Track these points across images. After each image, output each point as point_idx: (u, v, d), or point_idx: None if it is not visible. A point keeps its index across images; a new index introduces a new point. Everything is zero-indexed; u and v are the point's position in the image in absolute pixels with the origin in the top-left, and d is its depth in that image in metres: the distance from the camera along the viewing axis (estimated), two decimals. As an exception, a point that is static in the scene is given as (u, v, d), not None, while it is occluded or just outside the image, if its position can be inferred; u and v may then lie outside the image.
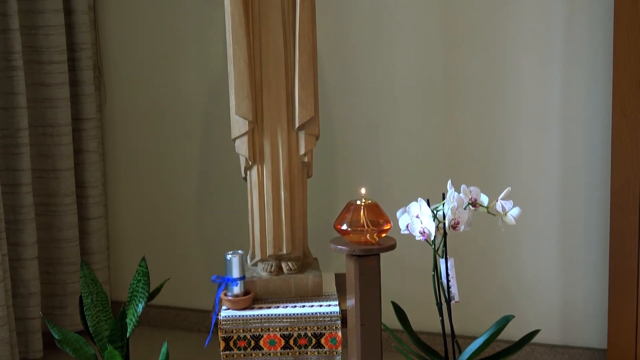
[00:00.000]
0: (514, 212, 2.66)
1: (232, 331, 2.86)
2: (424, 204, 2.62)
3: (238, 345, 2.86)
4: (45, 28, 3.40)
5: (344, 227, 2.61)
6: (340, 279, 3.05)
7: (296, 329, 2.86)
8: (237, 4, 2.86)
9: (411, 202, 2.64)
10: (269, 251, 2.98)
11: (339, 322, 2.86)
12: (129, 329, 2.82)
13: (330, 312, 2.86)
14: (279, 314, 2.87)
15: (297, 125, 2.93)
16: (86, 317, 2.84)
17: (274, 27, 2.90)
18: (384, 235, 2.63)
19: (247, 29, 2.88)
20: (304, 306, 2.90)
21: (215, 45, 3.53)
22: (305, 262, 3.03)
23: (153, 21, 3.68)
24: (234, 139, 2.95)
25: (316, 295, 2.97)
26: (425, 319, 3.29)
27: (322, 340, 2.87)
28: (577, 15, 3.27)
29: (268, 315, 2.86)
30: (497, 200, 2.67)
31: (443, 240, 2.65)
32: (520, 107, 3.37)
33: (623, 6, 3.10)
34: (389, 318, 2.87)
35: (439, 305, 2.71)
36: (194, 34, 3.64)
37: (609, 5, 3.20)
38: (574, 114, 3.32)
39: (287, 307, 2.90)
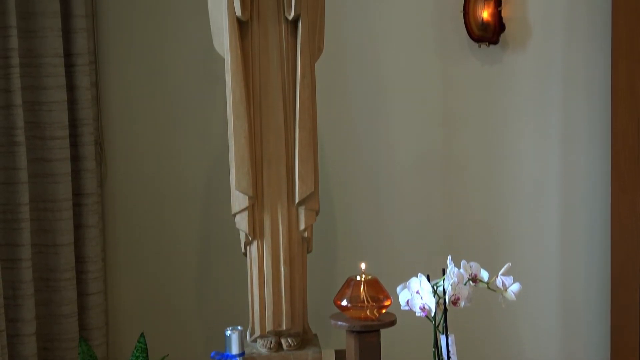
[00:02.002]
0: (514, 287, 2.66)
1: (231, 408, 2.83)
2: (424, 279, 2.62)
3: (237, 422, 2.83)
4: (48, 104, 3.42)
5: (344, 303, 2.61)
6: (340, 356, 3.03)
7: (296, 406, 2.84)
8: (238, 80, 2.89)
9: (411, 277, 2.64)
10: (269, 327, 2.96)
11: (339, 399, 2.84)
12: (127, 406, 2.79)
13: (330, 389, 2.84)
14: (279, 391, 2.84)
15: (297, 201, 2.94)
16: (84, 394, 2.81)
17: (275, 103, 2.93)
18: (384, 311, 2.63)
19: (248, 105, 2.91)
20: (303, 383, 2.88)
21: (216, 120, 3.56)
22: (305, 338, 3.01)
23: (154, 97, 3.71)
24: (234, 214, 2.95)
25: (316, 372, 2.95)
26: (426, 396, 3.26)
27: (322, 418, 2.84)
28: (575, 92, 3.31)
29: (267, 392, 2.84)
30: (497, 276, 2.67)
31: (443, 316, 2.64)
32: (519, 183, 3.39)
33: (620, 80, 3.14)
34: (390, 395, 2.84)
35: (440, 382, 2.69)
36: (194, 109, 3.67)
37: (605, 81, 3.23)
38: (573, 189, 3.33)
39: (286, 383, 2.88)
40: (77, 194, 3.58)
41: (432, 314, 2.61)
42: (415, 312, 2.62)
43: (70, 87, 3.52)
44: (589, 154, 3.31)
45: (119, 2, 3.70)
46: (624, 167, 3.16)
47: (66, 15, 3.50)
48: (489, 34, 3.32)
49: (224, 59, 2.94)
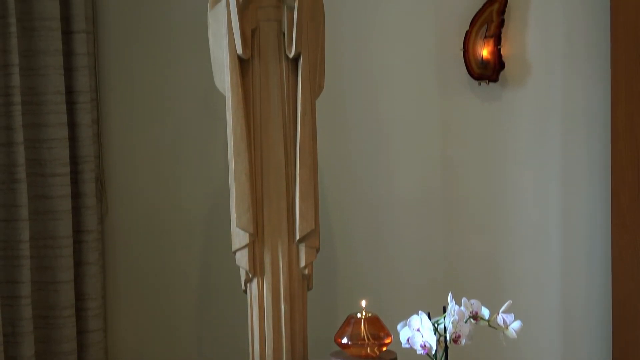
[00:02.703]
0: (516, 325, 2.65)
1: None
2: (425, 317, 2.61)
3: None
4: (49, 141, 3.43)
5: (345, 340, 2.60)
6: (340, 394, 3.01)
7: None
8: (239, 117, 2.90)
9: (412, 315, 2.63)
10: (269, 365, 2.95)
11: None
12: None
13: None
14: None
15: (297, 238, 2.94)
16: None
17: (275, 140, 2.94)
18: (385, 348, 2.62)
19: (249, 142, 2.92)
20: (304, 421, 2.86)
21: (217, 157, 3.56)
22: (305, 376, 3.00)
23: (155, 134, 3.72)
24: (235, 252, 2.95)
25: (316, 410, 2.93)
26: None
27: None
28: (575, 129, 3.31)
29: None
30: (498, 314, 2.66)
31: (444, 354, 2.63)
32: (519, 220, 3.39)
33: (619, 118, 3.15)
34: None
35: (441, 420, 2.67)
36: (195, 146, 3.67)
37: (605, 118, 3.24)
38: (574, 226, 3.33)
39: (287, 422, 2.86)
40: (78, 230, 3.57)
41: (433, 352, 2.60)
42: (416, 350, 2.61)
43: (72, 125, 3.53)
44: (589, 191, 3.31)
45: (120, 40, 3.72)
46: (624, 204, 3.16)
47: (68, 53, 3.52)
48: (488, 72, 3.34)
49: (224, 97, 2.95)
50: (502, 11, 3.32)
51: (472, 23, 3.34)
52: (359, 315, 2.63)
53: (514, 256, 3.39)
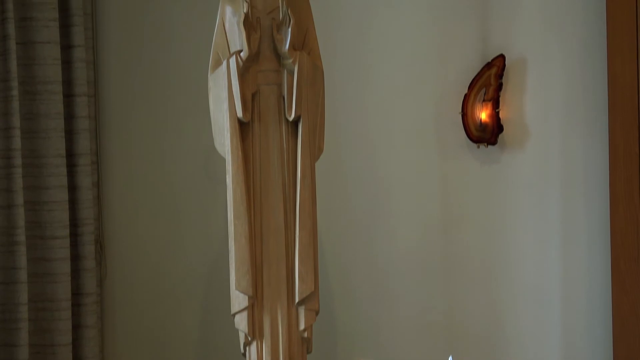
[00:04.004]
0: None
1: None
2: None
3: None
4: (50, 204, 3.44)
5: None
6: None
7: None
8: (239, 180, 2.91)
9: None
10: None
11: None
12: None
13: None
14: None
15: (297, 301, 2.93)
16: None
17: (275, 203, 2.94)
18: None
19: (249, 205, 2.92)
20: None
21: (216, 219, 3.57)
22: None
23: (155, 197, 3.72)
24: (234, 314, 2.94)
25: None
26: None
27: None
28: (574, 192, 3.32)
29: None
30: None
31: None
32: (519, 283, 3.38)
33: (618, 181, 3.16)
34: None
35: None
36: (195, 209, 3.68)
37: (604, 181, 3.25)
38: (574, 289, 3.32)
39: None
40: (76, 293, 3.57)
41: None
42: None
43: (72, 187, 3.54)
44: (588, 254, 3.30)
45: (121, 103, 3.74)
46: (624, 267, 3.15)
47: (69, 116, 3.54)
48: (487, 135, 3.35)
49: (224, 159, 2.96)
50: (500, 75, 3.34)
51: (471, 86, 3.37)
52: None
53: (514, 318, 3.38)
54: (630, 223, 3.14)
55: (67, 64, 3.53)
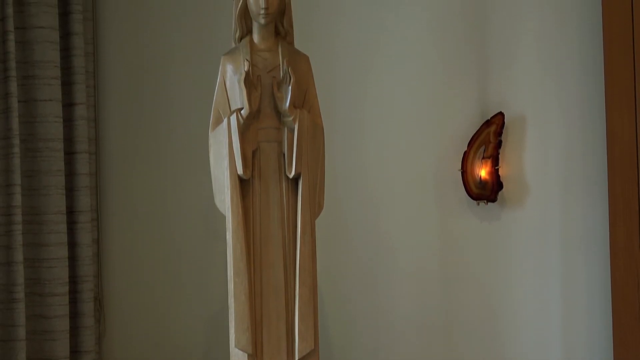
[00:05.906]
0: None
1: None
2: None
3: None
4: (49, 261, 3.44)
5: None
6: None
7: None
8: (239, 237, 2.91)
9: None
10: None
11: None
12: None
13: None
14: None
15: (297, 358, 2.91)
16: None
17: (275, 260, 2.94)
18: None
19: (249, 262, 2.92)
20: None
21: (216, 276, 3.56)
22: None
23: (155, 255, 3.72)
24: (233, 374, 2.92)
25: None
26: None
27: None
28: (574, 248, 3.32)
29: None
30: None
31: None
32: (519, 340, 3.37)
33: (618, 236, 3.16)
34: None
35: None
36: (195, 266, 3.67)
37: (604, 237, 3.25)
38: (575, 347, 3.31)
39: None
40: (75, 351, 3.55)
41: None
42: None
43: (72, 244, 3.54)
44: (589, 311, 3.29)
45: (121, 161, 3.76)
46: (625, 324, 3.14)
47: (70, 173, 3.55)
48: (487, 192, 3.36)
49: (224, 216, 2.96)
50: (499, 132, 3.36)
51: (470, 144, 3.38)
52: None
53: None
54: (630, 279, 3.14)
55: (68, 121, 3.55)
